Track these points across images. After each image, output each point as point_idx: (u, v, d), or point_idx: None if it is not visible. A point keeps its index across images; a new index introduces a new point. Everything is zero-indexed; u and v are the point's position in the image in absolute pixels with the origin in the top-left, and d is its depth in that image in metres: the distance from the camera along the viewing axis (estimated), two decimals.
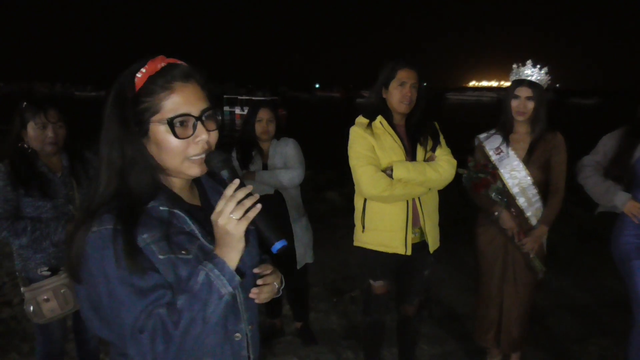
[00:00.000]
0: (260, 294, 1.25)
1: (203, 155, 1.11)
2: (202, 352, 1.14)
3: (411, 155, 2.52)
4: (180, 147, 1.09)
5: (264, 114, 3.06)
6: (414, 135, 2.55)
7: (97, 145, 1.12)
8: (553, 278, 4.22)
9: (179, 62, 1.13)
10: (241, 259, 1.17)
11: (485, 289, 2.91)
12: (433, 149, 2.56)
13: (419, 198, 2.52)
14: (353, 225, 2.68)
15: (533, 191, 2.73)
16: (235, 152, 3.13)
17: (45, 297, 2.32)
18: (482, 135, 2.90)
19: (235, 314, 1.20)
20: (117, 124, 1.09)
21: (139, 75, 1.08)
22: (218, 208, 1.04)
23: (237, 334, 1.20)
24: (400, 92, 2.46)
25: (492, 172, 2.75)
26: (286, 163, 3.09)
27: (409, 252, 2.50)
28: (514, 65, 2.76)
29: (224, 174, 1.09)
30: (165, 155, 1.10)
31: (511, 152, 2.75)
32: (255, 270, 1.27)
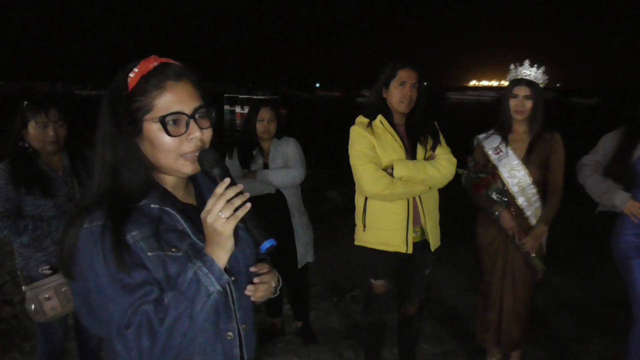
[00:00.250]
0: (256, 292, 1.25)
1: (196, 154, 1.12)
2: (192, 350, 1.14)
3: (411, 154, 2.53)
4: (173, 144, 1.10)
5: (265, 114, 3.06)
6: (414, 135, 2.56)
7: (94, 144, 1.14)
8: (553, 277, 4.23)
9: (172, 61, 1.14)
10: (235, 258, 1.18)
11: (485, 289, 2.92)
12: (433, 148, 2.57)
13: (419, 197, 2.52)
14: (354, 225, 2.69)
15: (532, 191, 2.74)
16: (236, 152, 3.13)
17: (47, 296, 2.32)
18: (481, 136, 2.91)
19: (228, 313, 1.20)
20: (110, 123, 1.11)
21: (131, 75, 1.10)
22: (207, 206, 1.05)
23: (229, 333, 1.20)
24: (400, 92, 2.47)
25: (492, 171, 2.76)
26: (287, 162, 3.09)
27: (410, 251, 2.51)
28: (512, 66, 2.78)
29: (216, 172, 1.09)
30: (159, 153, 1.11)
31: (510, 152, 2.76)
32: (252, 269, 1.28)
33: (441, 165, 2.48)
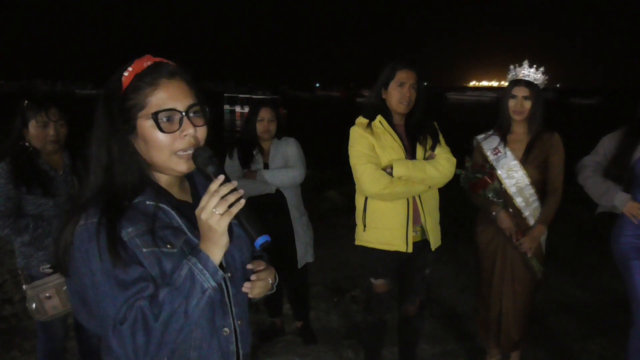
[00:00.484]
0: (253, 289, 1.26)
1: (190, 152, 1.13)
2: (188, 346, 1.15)
3: (411, 154, 2.54)
4: (166, 141, 1.11)
5: (265, 114, 3.07)
6: (414, 135, 2.57)
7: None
8: (553, 277, 4.23)
9: (165, 60, 1.16)
10: (230, 254, 1.20)
11: (485, 289, 2.92)
12: (433, 148, 2.57)
13: (419, 196, 2.53)
14: (354, 225, 2.69)
15: (530, 191, 2.74)
16: (236, 151, 3.13)
17: (48, 295, 2.33)
18: (480, 137, 2.91)
19: (224, 309, 1.21)
20: (104, 121, 1.12)
21: (125, 74, 1.11)
22: (202, 203, 1.06)
23: (225, 329, 1.21)
24: (399, 93, 2.48)
25: (490, 172, 2.76)
26: (287, 162, 3.09)
27: (410, 250, 2.51)
28: (511, 66, 2.78)
29: (210, 169, 1.10)
30: (153, 150, 1.12)
31: (509, 152, 2.76)
32: (249, 266, 1.29)
33: (440, 165, 2.48)
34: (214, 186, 1.06)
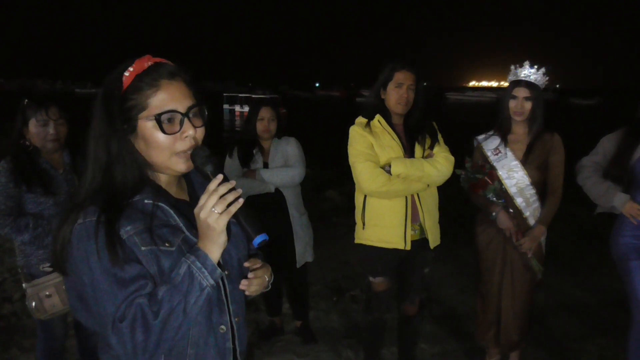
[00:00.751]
0: (250, 287, 1.27)
1: (189, 151, 1.14)
2: (186, 343, 1.16)
3: (409, 154, 2.55)
4: (167, 142, 1.12)
5: (265, 113, 3.07)
6: (413, 134, 2.58)
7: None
8: (553, 277, 4.23)
9: (166, 61, 1.16)
10: (227, 252, 1.21)
11: (484, 289, 2.92)
12: (431, 148, 2.59)
13: (418, 195, 2.54)
14: (354, 224, 2.70)
15: (531, 191, 2.74)
16: (236, 151, 3.13)
17: (47, 293, 2.33)
18: (481, 137, 2.91)
19: (220, 307, 1.22)
20: (103, 121, 1.13)
21: (126, 74, 1.12)
22: (201, 202, 1.07)
23: (222, 326, 1.22)
24: (397, 94, 2.50)
25: (490, 172, 2.76)
26: (287, 162, 3.09)
27: (408, 247, 2.52)
28: (512, 67, 2.78)
29: (208, 169, 1.11)
30: (153, 150, 1.13)
31: (509, 153, 2.76)
32: (246, 264, 1.30)
33: (438, 163, 2.50)
34: (212, 185, 1.07)
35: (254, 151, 3.11)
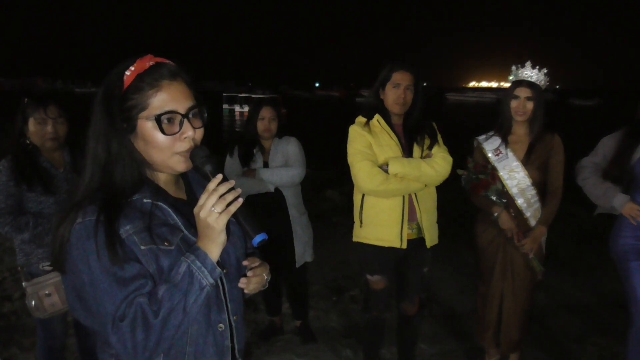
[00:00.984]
0: (249, 285, 1.28)
1: (188, 152, 1.14)
2: (184, 341, 1.16)
3: (408, 153, 2.56)
4: (166, 143, 1.12)
5: (266, 112, 3.07)
6: (411, 134, 2.59)
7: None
8: (553, 278, 4.23)
9: (167, 61, 1.16)
10: (226, 251, 1.21)
11: (485, 289, 2.92)
12: (430, 148, 2.59)
13: (415, 194, 2.55)
14: (353, 224, 2.70)
15: (532, 192, 2.74)
16: (237, 150, 3.13)
17: (47, 292, 2.33)
18: (481, 137, 2.91)
19: (219, 305, 1.22)
20: (103, 119, 1.13)
21: (127, 73, 1.11)
22: (200, 201, 1.07)
23: (221, 325, 1.23)
24: (394, 94, 2.51)
25: (491, 173, 2.76)
26: (287, 161, 3.09)
27: (404, 246, 2.53)
28: (513, 67, 2.78)
29: (208, 168, 1.11)
30: (153, 150, 1.13)
31: (510, 153, 2.76)
32: (245, 263, 1.31)
33: (436, 163, 2.50)
34: (212, 185, 1.07)
35: (255, 150, 3.11)
